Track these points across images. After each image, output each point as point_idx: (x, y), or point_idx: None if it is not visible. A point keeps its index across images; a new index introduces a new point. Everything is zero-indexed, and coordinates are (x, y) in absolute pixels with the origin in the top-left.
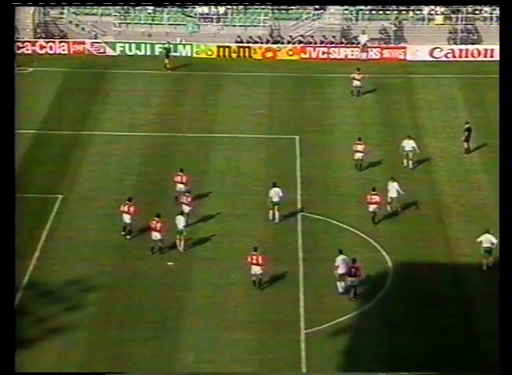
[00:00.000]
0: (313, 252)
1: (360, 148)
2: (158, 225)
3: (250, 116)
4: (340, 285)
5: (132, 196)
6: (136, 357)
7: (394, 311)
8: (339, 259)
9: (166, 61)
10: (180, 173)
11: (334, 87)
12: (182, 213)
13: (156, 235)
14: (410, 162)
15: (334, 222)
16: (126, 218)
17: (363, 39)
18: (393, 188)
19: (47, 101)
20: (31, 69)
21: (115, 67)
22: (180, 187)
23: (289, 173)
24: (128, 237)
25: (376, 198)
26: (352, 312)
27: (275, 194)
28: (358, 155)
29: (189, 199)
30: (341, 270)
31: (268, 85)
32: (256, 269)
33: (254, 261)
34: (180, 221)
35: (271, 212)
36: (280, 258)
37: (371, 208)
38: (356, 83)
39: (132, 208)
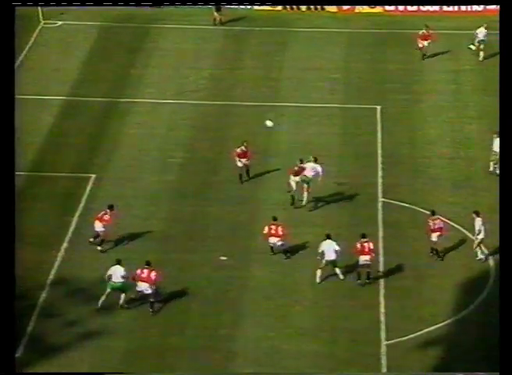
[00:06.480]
0: (396, 246)
1: None
2: (153, 274)
3: (321, 81)
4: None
5: (178, 177)
6: (182, 369)
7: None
8: (325, 245)
9: (216, 14)
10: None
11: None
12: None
13: (141, 285)
14: (495, 164)
15: (422, 210)
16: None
17: (480, 34)
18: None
19: (78, 62)
20: (60, 23)
21: (160, 21)
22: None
23: (368, 151)
24: (99, 248)
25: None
26: (445, 321)
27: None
28: None
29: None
30: (330, 257)
31: (343, 44)
32: (274, 240)
33: (273, 231)
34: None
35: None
36: None
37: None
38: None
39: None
